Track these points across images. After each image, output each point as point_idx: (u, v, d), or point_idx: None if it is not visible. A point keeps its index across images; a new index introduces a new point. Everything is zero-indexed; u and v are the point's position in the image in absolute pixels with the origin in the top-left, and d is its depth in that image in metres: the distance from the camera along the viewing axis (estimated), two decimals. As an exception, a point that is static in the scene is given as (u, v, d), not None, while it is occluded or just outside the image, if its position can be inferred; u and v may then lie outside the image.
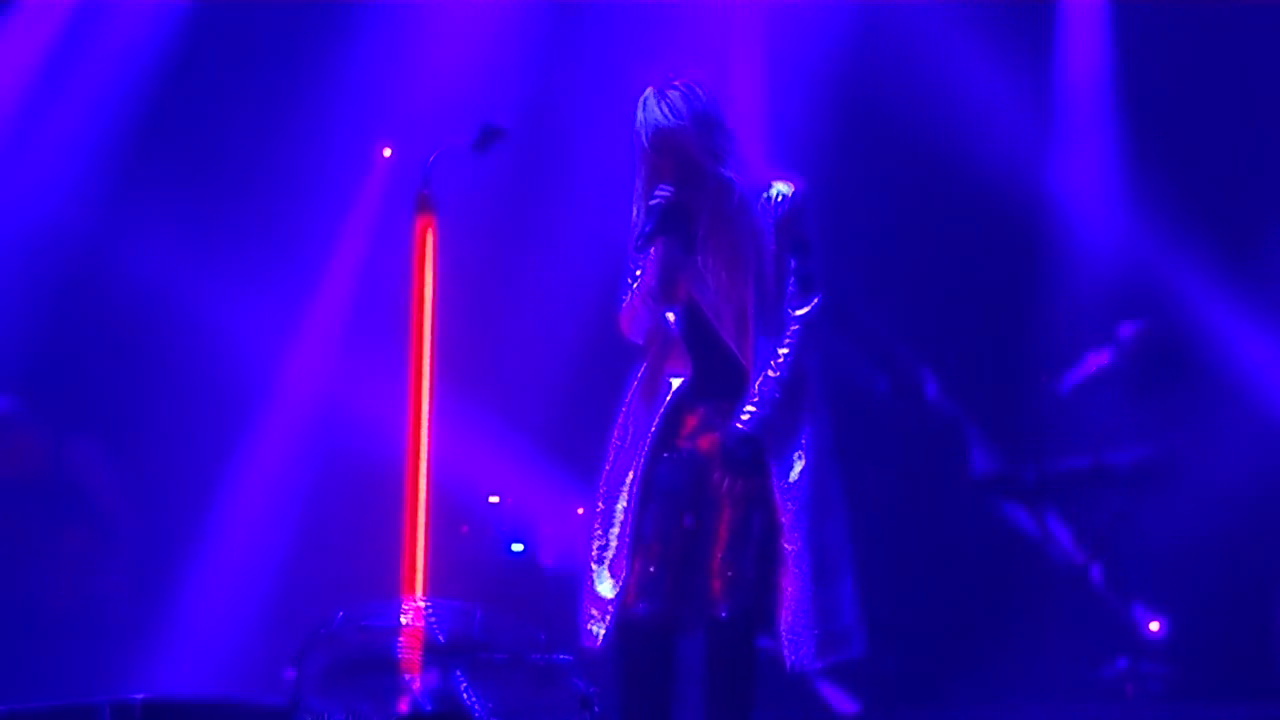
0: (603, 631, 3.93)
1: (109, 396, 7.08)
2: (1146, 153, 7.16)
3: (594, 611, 3.97)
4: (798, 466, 3.96)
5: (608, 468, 4.09)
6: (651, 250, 4.03)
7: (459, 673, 3.80)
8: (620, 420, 4.13)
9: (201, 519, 7.09)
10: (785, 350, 4.00)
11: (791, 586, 3.90)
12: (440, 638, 3.80)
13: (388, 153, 7.42)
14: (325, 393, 7.23)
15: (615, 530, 4.00)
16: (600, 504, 4.06)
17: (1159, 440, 6.87)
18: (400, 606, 3.88)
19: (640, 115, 4.06)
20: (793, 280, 4.05)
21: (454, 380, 4.92)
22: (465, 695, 3.79)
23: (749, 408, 3.95)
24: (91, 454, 6.50)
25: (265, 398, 7.26)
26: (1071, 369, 7.13)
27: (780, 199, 4.09)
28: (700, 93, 4.08)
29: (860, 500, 6.99)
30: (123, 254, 7.05)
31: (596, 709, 3.91)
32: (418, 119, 6.93)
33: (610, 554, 3.99)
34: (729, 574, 3.90)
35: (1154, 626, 6.70)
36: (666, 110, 4.03)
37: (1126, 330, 7.06)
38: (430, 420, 4.52)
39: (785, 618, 3.91)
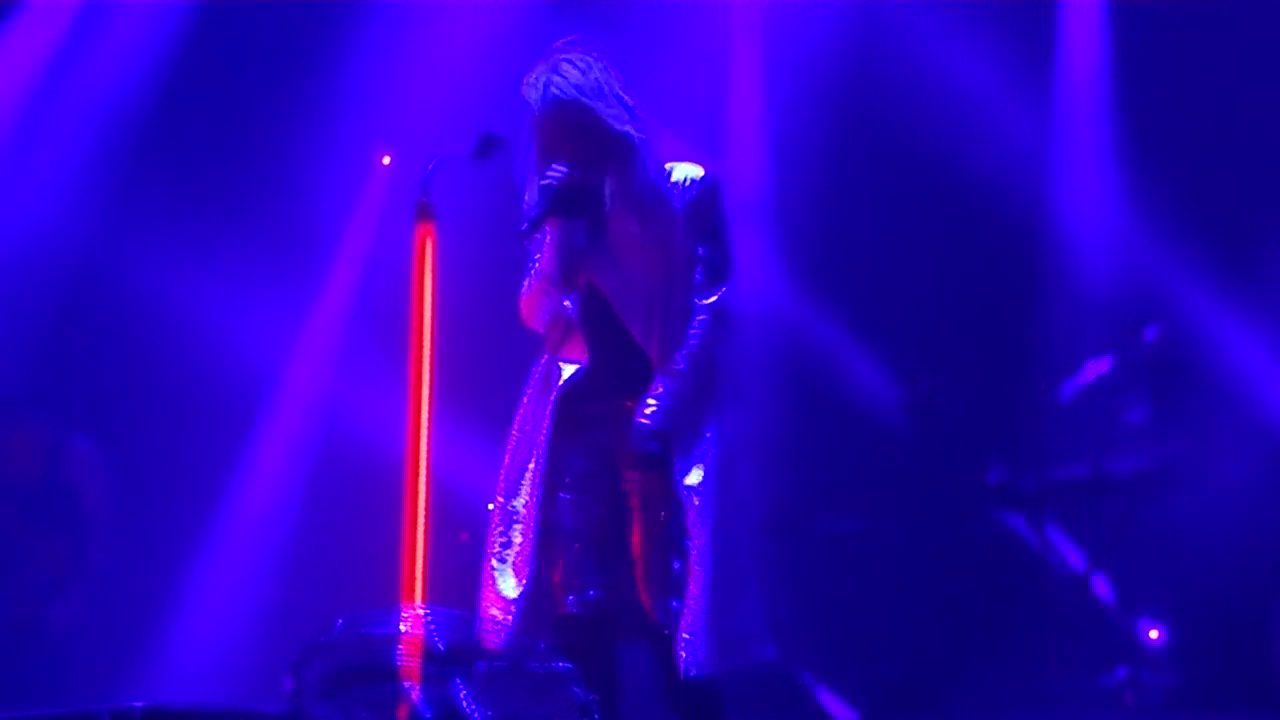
0: (505, 632, 3.79)
1: (110, 400, 7.08)
2: (1146, 157, 7.16)
3: (495, 612, 3.84)
4: (700, 464, 3.80)
5: (506, 462, 3.95)
6: (548, 234, 3.85)
7: (458, 681, 3.79)
8: (519, 412, 3.97)
9: (201, 525, 7.09)
10: (693, 341, 3.81)
11: (694, 586, 3.75)
12: (440, 646, 3.79)
13: (387, 160, 7.43)
14: (325, 399, 7.23)
15: (519, 527, 3.86)
16: (500, 498, 3.91)
17: (1159, 448, 6.87)
18: (399, 614, 3.87)
19: (531, 88, 3.86)
20: (700, 268, 3.85)
21: (454, 388, 4.91)
22: (464, 704, 3.78)
23: (652, 401, 3.78)
24: (88, 455, 6.48)
25: (266, 404, 7.26)
26: (1071, 376, 7.13)
27: (689, 183, 3.89)
28: (597, 64, 3.88)
29: (859, 507, 7.07)
30: (124, 259, 7.05)
31: (596, 717, 3.89)
32: (417, 127, 6.93)
33: (513, 552, 3.85)
34: (660, 584, 3.77)
35: (1154, 635, 6.69)
36: (560, 83, 3.82)
37: (1135, 336, 7.05)
38: (430, 428, 4.50)
39: (685, 621, 3.75)
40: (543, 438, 3.88)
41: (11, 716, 4.30)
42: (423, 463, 4.61)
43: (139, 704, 3.72)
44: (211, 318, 7.11)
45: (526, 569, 3.84)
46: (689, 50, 7.01)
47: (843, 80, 7.18)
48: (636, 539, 3.83)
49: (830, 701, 6.70)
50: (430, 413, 4.50)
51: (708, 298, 3.86)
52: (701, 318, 3.85)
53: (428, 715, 3.77)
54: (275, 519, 7.16)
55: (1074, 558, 6.99)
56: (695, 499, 3.79)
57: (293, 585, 6.92)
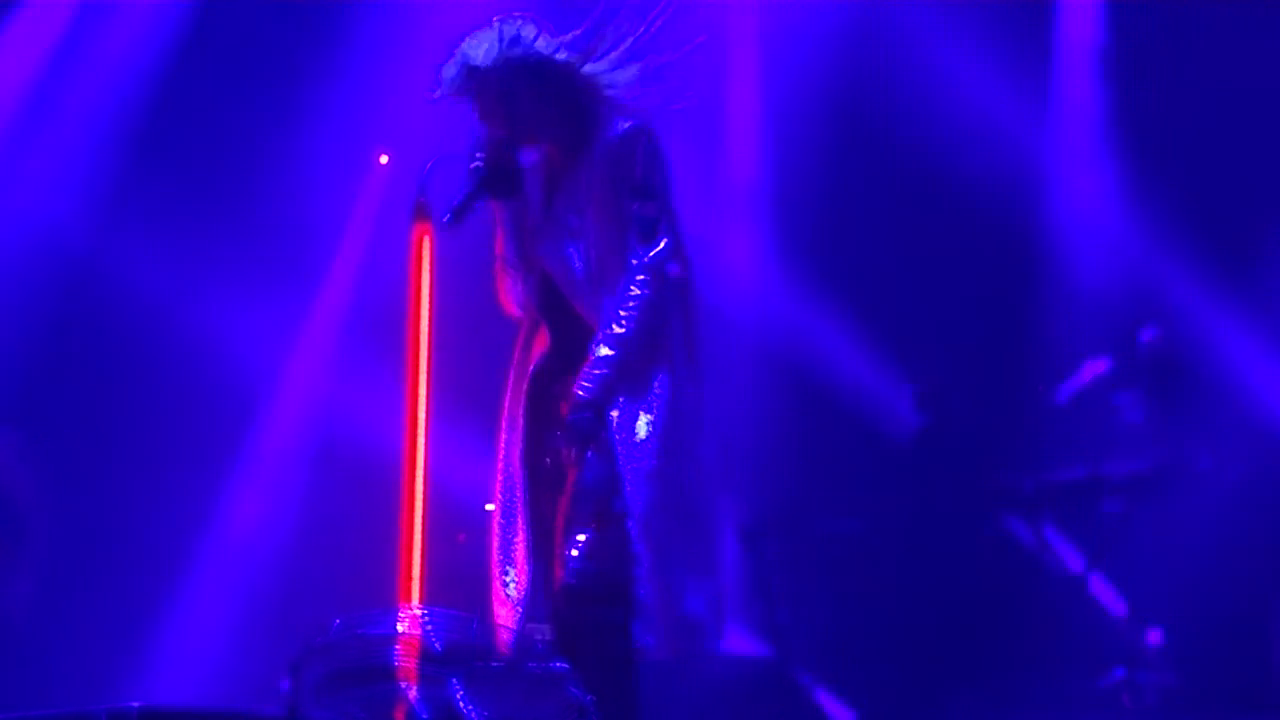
0: (513, 633, 3.66)
1: (106, 401, 7.07)
2: (1144, 157, 7.16)
3: (503, 613, 3.74)
4: (643, 421, 3.60)
5: (499, 461, 3.84)
6: (495, 217, 3.71)
7: (455, 681, 3.78)
8: (504, 409, 3.86)
9: (198, 526, 7.07)
10: (629, 303, 3.60)
11: (642, 557, 3.54)
12: (437, 646, 3.78)
13: (385, 160, 7.41)
14: (322, 400, 7.22)
15: (515, 524, 3.76)
16: (498, 497, 3.81)
17: (1157, 450, 6.87)
18: (397, 615, 3.86)
19: (456, 59, 3.72)
20: (633, 227, 3.64)
21: (452, 388, 4.91)
22: (462, 704, 3.77)
23: (586, 369, 3.60)
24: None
25: (263, 404, 7.25)
26: (1069, 378, 7.12)
27: (616, 141, 3.68)
28: (524, 30, 3.71)
29: (856, 507, 7.06)
30: (120, 259, 7.04)
31: (593, 718, 3.88)
32: (415, 126, 6.92)
33: (514, 551, 3.75)
34: (582, 539, 3.58)
35: (1151, 636, 6.69)
36: (482, 53, 3.68)
37: (1133, 337, 7.05)
38: (427, 428, 4.49)
39: (636, 594, 3.54)
40: (518, 433, 3.79)
41: (9, 717, 4.29)
42: (420, 463, 4.60)
43: (135, 705, 3.71)
44: (208, 317, 7.10)
45: (526, 567, 3.75)
46: (685, 47, 6.99)
47: (841, 81, 7.18)
48: (562, 512, 3.67)
49: (829, 702, 6.70)
50: (427, 413, 4.49)
51: (643, 256, 3.65)
52: (639, 277, 3.64)
53: (425, 716, 3.76)
54: (272, 520, 7.15)
55: (1072, 559, 6.99)
56: (634, 463, 3.58)
57: (290, 586, 6.91)
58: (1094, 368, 7.10)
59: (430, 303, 4.55)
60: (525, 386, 3.79)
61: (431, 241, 4.42)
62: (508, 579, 3.76)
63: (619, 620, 3.61)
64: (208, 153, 7.17)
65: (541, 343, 3.80)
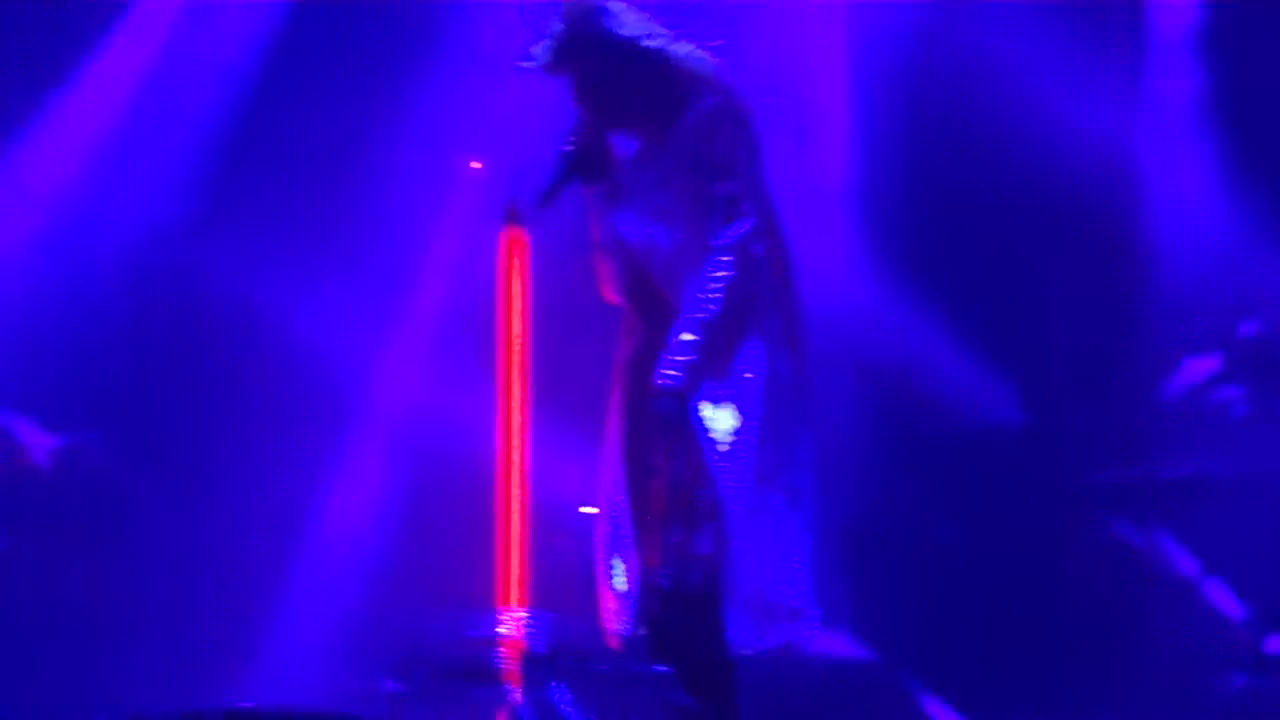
0: (623, 629, 3.56)
1: (199, 404, 7.12)
2: (1244, 147, 7.00)
3: (612, 609, 3.64)
4: (730, 408, 3.48)
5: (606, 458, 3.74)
6: (588, 203, 3.64)
7: (559, 684, 3.74)
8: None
9: (294, 528, 7.10)
10: (708, 286, 3.50)
11: (733, 551, 3.42)
12: (539, 648, 3.74)
13: (477, 165, 7.42)
14: (418, 403, 7.23)
15: (619, 520, 3.66)
16: (603, 491, 3.73)
17: (1267, 447, 6.70)
18: (498, 617, 3.83)
19: (549, 35, 3.65)
20: (716, 207, 3.54)
21: (551, 387, 4.88)
22: (565, 707, 3.74)
23: (667, 356, 3.49)
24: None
25: (357, 407, 7.28)
26: (1175, 374, 6.97)
27: (700, 119, 3.58)
28: (617, 9, 3.63)
29: (958, 509, 6.96)
30: (214, 263, 7.11)
31: (696, 722, 3.81)
32: (507, 132, 6.92)
33: (622, 546, 3.64)
34: (674, 538, 3.48)
35: (1272, 643, 6.52)
36: (575, 29, 3.62)
37: (1237, 332, 6.90)
38: (523, 430, 4.47)
39: (728, 586, 3.43)
40: (614, 424, 3.68)
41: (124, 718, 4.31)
42: (516, 465, 4.58)
43: (250, 705, 3.70)
44: (303, 320, 7.14)
45: (632, 561, 3.65)
46: (771, 44, 6.94)
47: (928, 73, 7.09)
48: (657, 506, 3.56)
49: (933, 707, 6.60)
50: (523, 415, 4.47)
51: (726, 238, 3.54)
52: (721, 258, 3.53)
53: (528, 719, 3.73)
54: (371, 522, 7.17)
55: (1184, 561, 6.83)
56: (724, 445, 3.47)
57: (389, 589, 6.92)
58: (1201, 363, 6.94)
59: (524, 305, 4.53)
60: (619, 377, 3.70)
61: (523, 244, 4.40)
62: (615, 573, 3.67)
63: (714, 621, 3.51)
64: (301, 156, 7.21)
65: (634, 330, 3.71)
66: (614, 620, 3.64)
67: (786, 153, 7.26)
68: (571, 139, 3.65)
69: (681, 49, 3.70)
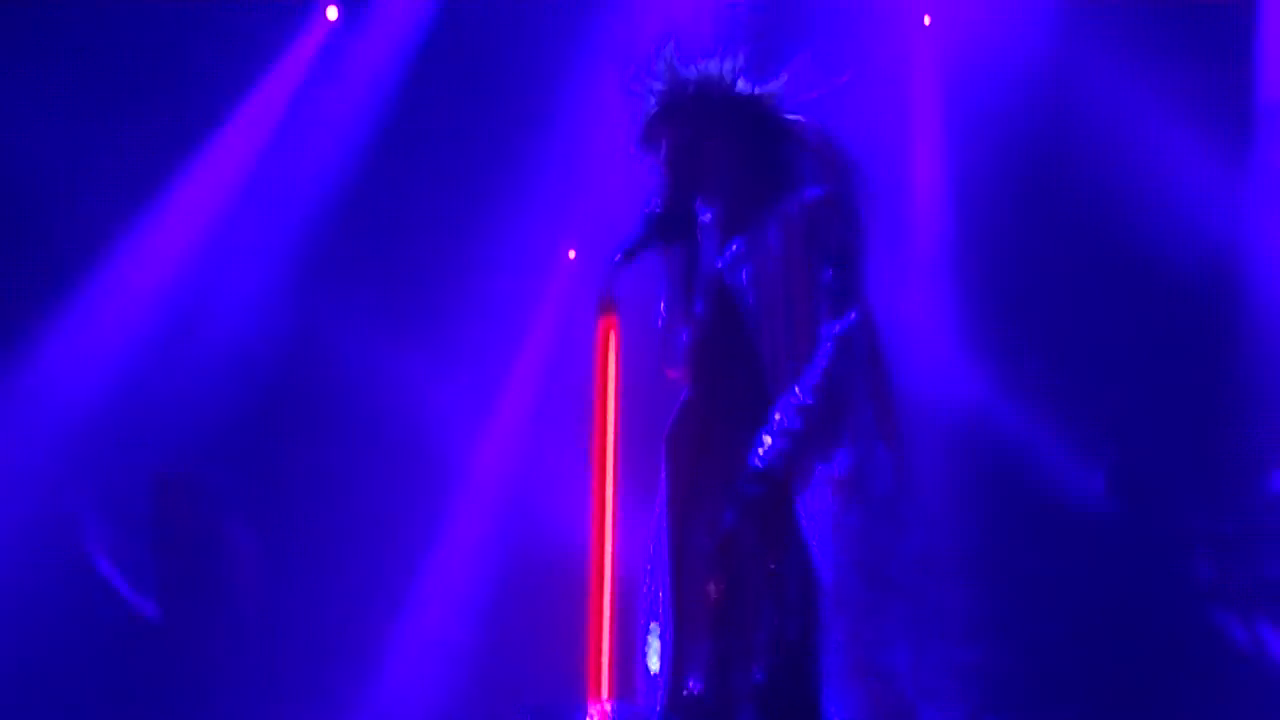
0: (650, 711, 3.48)
1: (304, 478, 7.22)
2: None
3: (642, 687, 3.59)
4: (826, 493, 3.44)
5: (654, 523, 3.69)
6: (665, 266, 3.61)
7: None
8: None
9: (390, 608, 7.15)
10: (813, 373, 3.50)
11: (836, 639, 3.37)
12: (626, 741, 3.71)
13: (573, 255, 7.51)
14: (512, 489, 7.28)
15: (662, 596, 3.60)
16: (649, 566, 3.67)
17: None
18: (587, 711, 3.82)
19: (653, 102, 3.62)
20: (825, 296, 3.55)
21: (641, 478, 4.90)
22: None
23: (766, 439, 3.49)
24: (246, 545, 6.51)
25: (455, 489, 7.34)
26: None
27: (809, 203, 3.59)
28: (718, 69, 3.60)
29: (1063, 600, 6.83)
30: (323, 342, 7.24)
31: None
32: (601, 222, 7.00)
33: (655, 631, 3.59)
34: (767, 632, 3.44)
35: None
36: (679, 93, 3.59)
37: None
38: (614, 518, 4.47)
39: (827, 688, 3.37)
40: (663, 496, 3.66)
41: None
42: (608, 554, 4.57)
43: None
44: (406, 398, 7.23)
45: (670, 641, 3.59)
46: (870, 109, 6.93)
47: (1028, 142, 7.07)
48: (749, 599, 3.52)
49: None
50: (615, 504, 4.47)
51: (834, 326, 3.57)
52: (827, 346, 3.55)
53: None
54: (461, 608, 7.20)
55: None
56: (815, 535, 3.44)
57: (480, 676, 6.93)
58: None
59: (616, 393, 4.55)
60: (671, 450, 3.68)
61: (617, 334, 4.43)
62: (650, 650, 3.62)
63: (806, 710, 3.46)
64: (407, 241, 7.35)
65: (694, 407, 3.69)
66: (643, 699, 3.58)
67: (885, 229, 7.30)
68: (658, 200, 3.65)
69: (803, 122, 3.70)
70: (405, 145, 7.40)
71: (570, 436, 6.08)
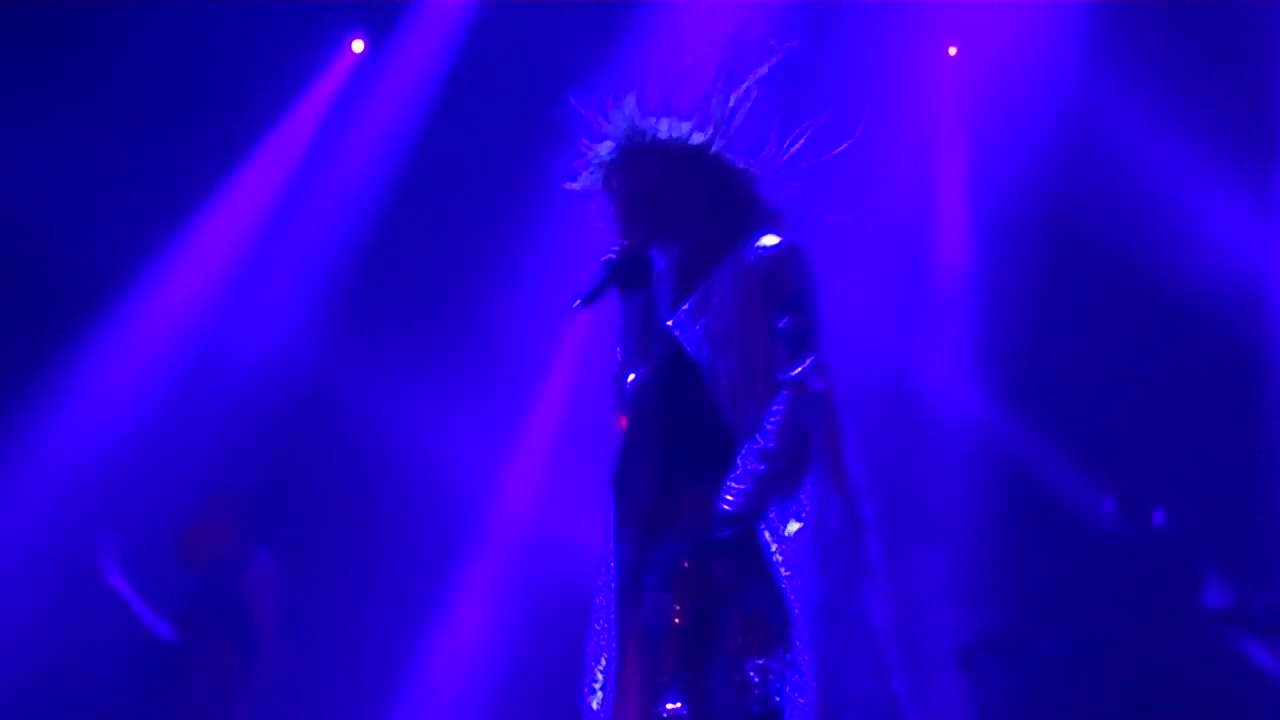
0: None
1: (327, 519, 7.25)
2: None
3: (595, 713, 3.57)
4: (792, 529, 3.49)
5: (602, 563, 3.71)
6: (620, 310, 3.65)
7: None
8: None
9: (413, 643, 7.17)
10: (774, 418, 3.54)
11: (806, 666, 3.40)
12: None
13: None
14: (534, 519, 7.29)
15: (608, 634, 3.62)
16: (596, 604, 3.68)
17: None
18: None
19: (601, 152, 3.65)
20: (782, 341, 3.59)
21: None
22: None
23: (733, 484, 3.53)
24: (266, 568, 6.50)
25: (477, 523, 7.36)
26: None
27: (766, 253, 3.62)
28: (663, 119, 3.64)
29: (1082, 629, 6.79)
30: (344, 383, 7.27)
31: None
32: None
33: (604, 663, 3.60)
34: (756, 664, 3.48)
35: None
36: (629, 144, 3.61)
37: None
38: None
39: (790, 713, 3.40)
40: (611, 539, 3.67)
41: None
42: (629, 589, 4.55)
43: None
44: (426, 440, 7.26)
45: (612, 680, 3.61)
46: (897, 155, 6.94)
47: (1052, 187, 7.06)
48: (731, 635, 3.57)
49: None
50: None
51: (791, 371, 3.60)
52: (785, 393, 3.59)
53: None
54: (486, 643, 7.22)
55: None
56: (787, 570, 3.49)
57: (504, 702, 6.95)
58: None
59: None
60: (611, 492, 3.69)
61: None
62: (595, 687, 3.64)
63: None
64: (426, 281, 7.39)
65: (635, 450, 3.70)
66: None
67: (907, 260, 7.30)
68: (615, 246, 3.67)
69: (757, 171, 3.74)
70: (426, 182, 7.43)
71: (593, 464, 6.09)
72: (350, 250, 7.47)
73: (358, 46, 7.55)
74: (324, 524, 7.28)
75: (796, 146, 3.70)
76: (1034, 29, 7.15)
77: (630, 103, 3.70)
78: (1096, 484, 7.04)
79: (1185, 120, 6.96)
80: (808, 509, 3.56)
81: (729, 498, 3.56)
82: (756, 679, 3.53)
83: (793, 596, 3.49)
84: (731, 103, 3.70)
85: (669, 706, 3.58)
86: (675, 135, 3.68)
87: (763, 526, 3.55)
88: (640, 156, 3.69)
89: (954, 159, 7.46)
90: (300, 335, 7.40)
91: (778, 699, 3.49)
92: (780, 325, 3.62)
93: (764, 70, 3.73)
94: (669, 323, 3.67)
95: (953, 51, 7.53)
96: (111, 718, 6.65)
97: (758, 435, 3.58)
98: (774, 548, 3.52)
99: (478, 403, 7.37)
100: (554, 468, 7.38)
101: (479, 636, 7.31)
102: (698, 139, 3.69)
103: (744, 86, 3.69)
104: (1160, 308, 6.95)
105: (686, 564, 3.61)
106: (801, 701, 3.44)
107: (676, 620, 3.61)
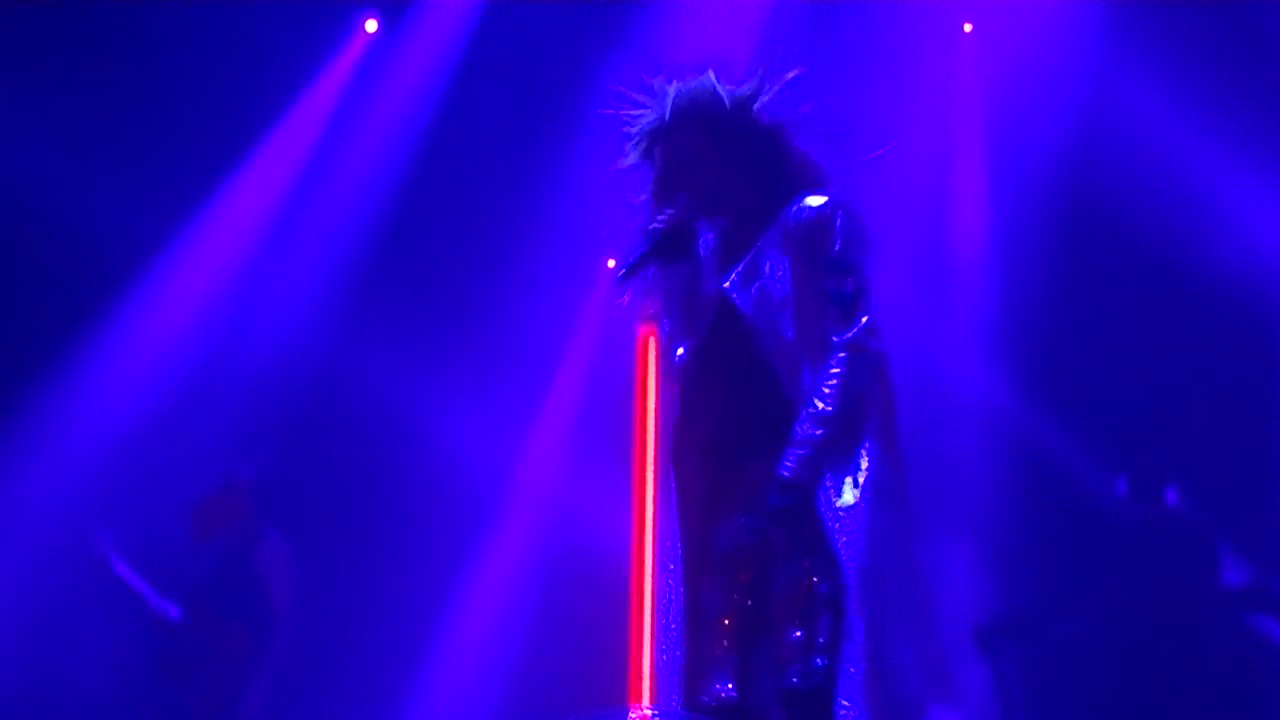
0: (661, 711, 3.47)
1: (344, 507, 7.22)
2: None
3: (657, 694, 3.56)
4: (848, 496, 3.45)
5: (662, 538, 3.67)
6: (659, 283, 3.58)
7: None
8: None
9: (432, 627, 7.14)
10: (830, 381, 3.48)
11: (857, 634, 3.35)
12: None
13: (612, 264, 7.49)
14: (553, 503, 7.26)
15: (674, 606, 3.55)
16: (664, 578, 3.61)
17: None
18: (627, 715, 3.80)
19: (640, 123, 3.63)
20: (832, 304, 3.53)
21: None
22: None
23: (791, 450, 3.47)
24: (278, 549, 6.47)
25: (494, 506, 7.33)
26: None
27: (811, 213, 3.57)
28: (723, 87, 3.59)
29: (1097, 609, 6.77)
30: (360, 365, 7.23)
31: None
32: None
33: (673, 635, 3.54)
34: (797, 635, 3.42)
35: None
36: (666, 112, 3.58)
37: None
38: (655, 527, 4.46)
39: (841, 684, 3.34)
40: (673, 508, 3.63)
41: None
42: (649, 562, 4.57)
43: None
44: (443, 421, 7.23)
45: (680, 651, 3.57)
46: (912, 118, 6.88)
47: (1070, 167, 7.01)
48: (781, 604, 3.50)
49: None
50: (655, 512, 4.46)
51: (845, 334, 3.54)
52: (840, 354, 3.53)
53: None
54: (505, 620, 7.19)
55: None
56: (844, 537, 3.43)
57: (522, 687, 6.92)
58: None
59: (656, 403, 4.54)
60: (670, 467, 3.65)
61: (656, 343, 4.41)
62: (665, 659, 3.59)
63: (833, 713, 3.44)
64: (441, 258, 7.34)
65: (693, 417, 3.65)
66: (660, 703, 3.57)
67: (924, 242, 7.28)
68: (661, 218, 3.61)
69: (799, 135, 3.71)
70: (443, 167, 7.39)
71: (610, 447, 6.07)
72: (365, 235, 7.42)
73: (371, 26, 7.49)
74: (339, 511, 7.25)
75: (824, 113, 3.66)
76: (1052, 6, 7.10)
77: (668, 74, 3.66)
78: (1113, 466, 6.99)
79: (1207, 100, 6.91)
80: (865, 474, 3.50)
81: (788, 463, 3.50)
82: (800, 649, 3.47)
83: (848, 563, 3.44)
84: (766, 73, 3.66)
85: (724, 688, 3.51)
86: (716, 102, 3.64)
87: (820, 492, 3.49)
88: (682, 125, 3.64)
89: (970, 140, 7.41)
90: (315, 322, 7.35)
91: (821, 669, 3.42)
92: (829, 286, 3.57)
93: (793, 44, 3.71)
94: (725, 285, 3.61)
95: (968, 28, 7.48)
96: (119, 707, 6.63)
97: (814, 399, 3.52)
98: (831, 513, 3.46)
99: (493, 388, 7.34)
100: (570, 453, 7.35)
101: (494, 621, 7.28)
102: (738, 105, 3.64)
103: (775, 60, 3.66)
104: (1178, 288, 6.90)
105: (747, 538, 3.54)
106: (853, 671, 3.38)
107: (736, 597, 3.55)
